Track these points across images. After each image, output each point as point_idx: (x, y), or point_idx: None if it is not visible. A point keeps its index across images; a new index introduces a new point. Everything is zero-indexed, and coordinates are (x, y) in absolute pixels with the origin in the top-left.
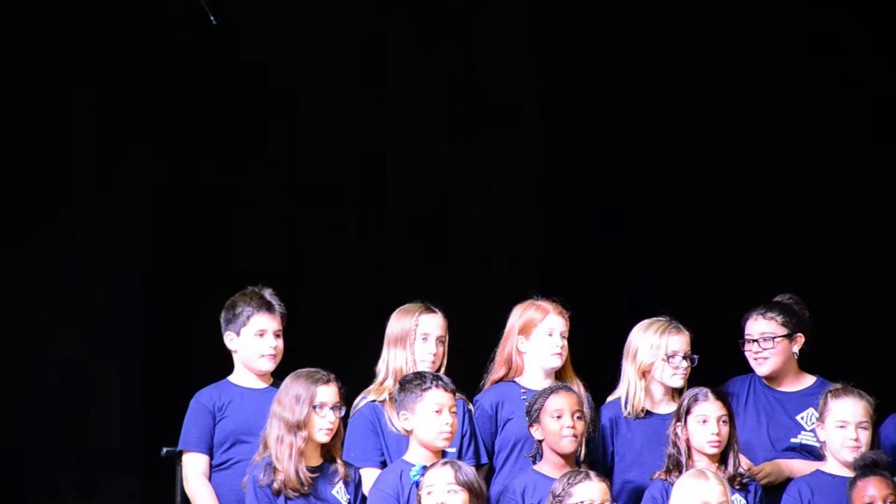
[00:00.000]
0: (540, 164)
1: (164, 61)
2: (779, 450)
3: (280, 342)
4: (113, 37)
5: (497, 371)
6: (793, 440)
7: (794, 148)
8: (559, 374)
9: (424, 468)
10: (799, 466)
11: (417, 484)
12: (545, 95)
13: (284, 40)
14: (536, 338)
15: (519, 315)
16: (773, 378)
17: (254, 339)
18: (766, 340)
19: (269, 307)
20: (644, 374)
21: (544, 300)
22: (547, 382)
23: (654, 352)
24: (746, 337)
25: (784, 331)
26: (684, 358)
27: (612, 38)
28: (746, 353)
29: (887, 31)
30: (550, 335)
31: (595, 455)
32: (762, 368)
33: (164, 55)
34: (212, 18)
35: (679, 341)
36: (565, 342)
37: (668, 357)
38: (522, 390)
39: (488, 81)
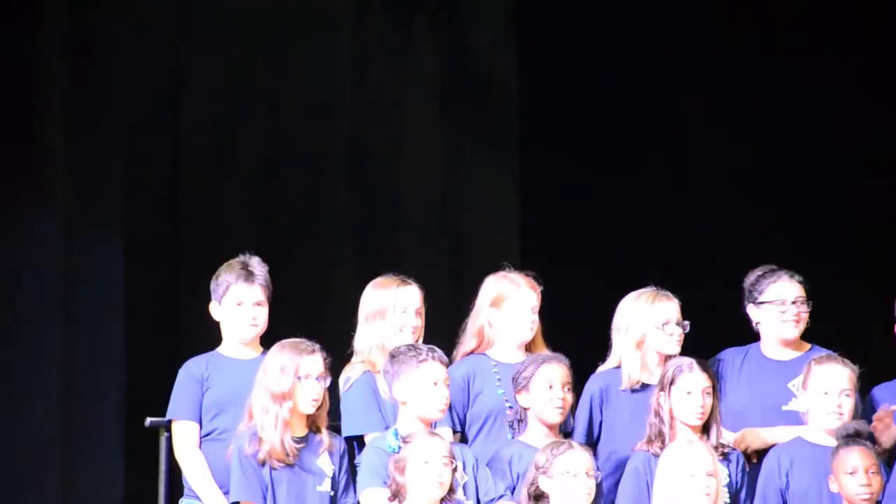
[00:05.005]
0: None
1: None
2: (769, 417)
3: (260, 311)
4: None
5: (467, 343)
6: (783, 407)
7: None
8: (529, 347)
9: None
10: (778, 433)
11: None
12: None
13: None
14: (508, 311)
15: (490, 288)
16: (785, 344)
17: (234, 309)
18: (803, 303)
19: (248, 277)
20: (639, 345)
21: (516, 273)
22: (519, 355)
23: (648, 321)
24: (775, 300)
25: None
26: (677, 324)
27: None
28: (770, 317)
29: None
30: (522, 308)
31: (567, 426)
32: (796, 330)
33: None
34: None
35: (671, 308)
36: (536, 316)
37: (663, 325)
38: (494, 363)
39: (469, 64)
